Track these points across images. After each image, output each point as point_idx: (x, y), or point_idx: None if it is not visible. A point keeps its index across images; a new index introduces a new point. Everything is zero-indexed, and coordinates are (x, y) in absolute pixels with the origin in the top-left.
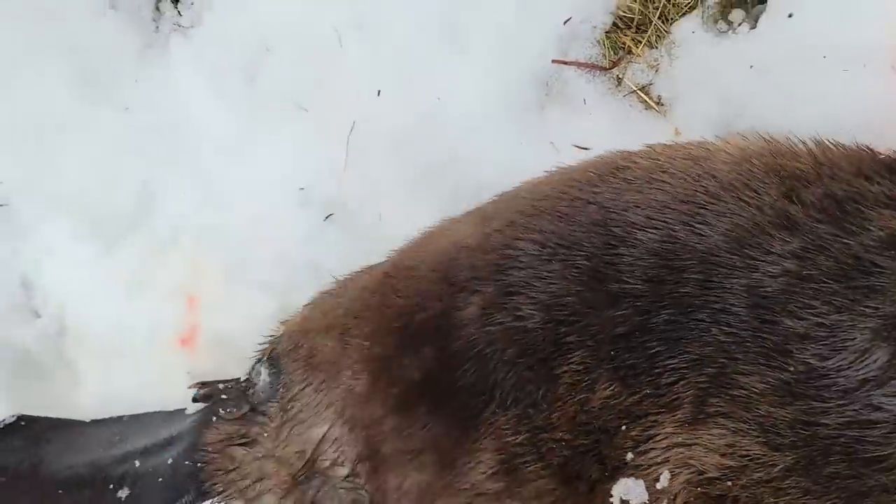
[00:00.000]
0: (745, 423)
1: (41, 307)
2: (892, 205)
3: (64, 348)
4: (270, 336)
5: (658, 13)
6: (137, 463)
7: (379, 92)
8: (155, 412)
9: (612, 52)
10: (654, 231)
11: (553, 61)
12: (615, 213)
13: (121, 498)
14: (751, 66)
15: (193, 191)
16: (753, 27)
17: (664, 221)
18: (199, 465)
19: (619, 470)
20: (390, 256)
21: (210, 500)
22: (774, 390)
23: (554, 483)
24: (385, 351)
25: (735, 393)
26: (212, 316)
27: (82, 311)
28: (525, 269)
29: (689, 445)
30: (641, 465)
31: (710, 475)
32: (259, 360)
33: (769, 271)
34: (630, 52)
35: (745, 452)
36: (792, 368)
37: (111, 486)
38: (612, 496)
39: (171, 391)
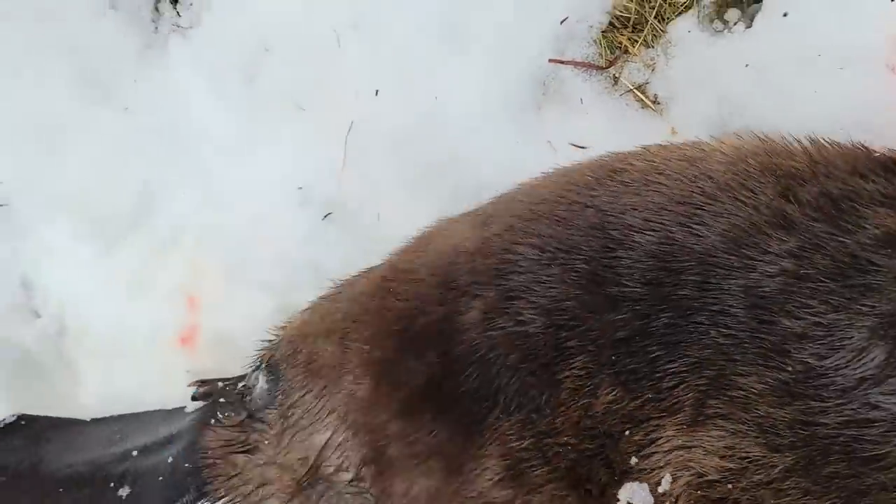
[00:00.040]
0: (743, 424)
1: (41, 307)
2: (887, 203)
3: (64, 348)
4: (267, 341)
5: (654, 13)
6: (138, 461)
7: (377, 92)
8: (155, 410)
9: (608, 52)
10: (651, 233)
11: (550, 60)
12: (612, 216)
13: (121, 496)
14: (746, 65)
15: (193, 191)
16: (749, 26)
17: (661, 223)
18: (199, 466)
19: (627, 474)
20: (387, 259)
21: (210, 501)
22: (773, 391)
23: (564, 489)
24: (386, 354)
25: (734, 394)
26: (212, 315)
27: (82, 311)
28: (525, 274)
29: (689, 448)
30: (645, 469)
31: (709, 478)
32: (256, 367)
33: (767, 271)
34: (626, 51)
35: (744, 454)
36: (790, 368)
37: (112, 485)
38: (618, 500)
39: (172, 390)
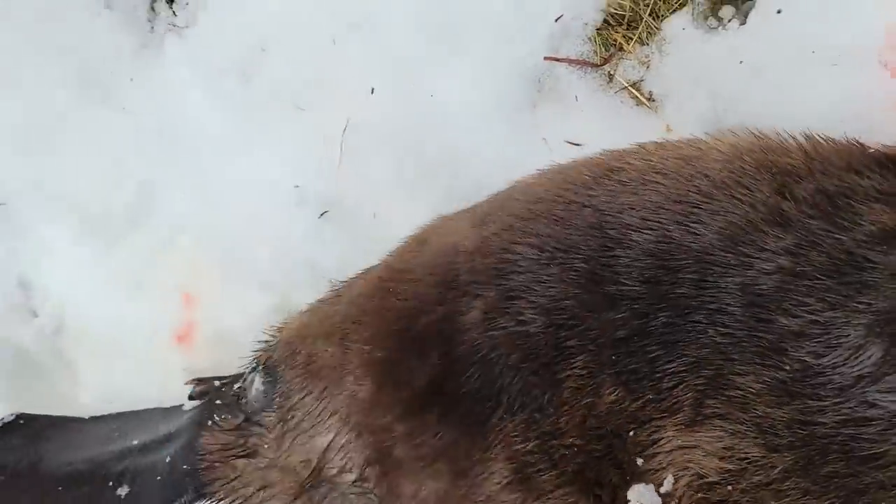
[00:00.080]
0: (742, 424)
1: (39, 307)
2: (882, 199)
3: (62, 347)
4: (263, 342)
5: (649, 10)
6: (136, 459)
7: (373, 90)
8: (154, 408)
9: (603, 49)
10: (648, 232)
11: (545, 58)
12: (610, 215)
13: (120, 496)
14: (741, 62)
15: (190, 190)
16: (743, 23)
17: (658, 222)
18: (197, 468)
19: (635, 475)
20: (384, 259)
21: (209, 502)
22: (771, 390)
23: (574, 494)
24: (388, 355)
25: (732, 394)
26: (209, 314)
27: (80, 311)
28: (525, 274)
29: (689, 448)
30: (650, 470)
31: (709, 479)
32: (253, 369)
33: (764, 268)
34: (621, 48)
35: (743, 455)
36: (788, 367)
37: (111, 484)
38: (628, 501)
39: (169, 389)
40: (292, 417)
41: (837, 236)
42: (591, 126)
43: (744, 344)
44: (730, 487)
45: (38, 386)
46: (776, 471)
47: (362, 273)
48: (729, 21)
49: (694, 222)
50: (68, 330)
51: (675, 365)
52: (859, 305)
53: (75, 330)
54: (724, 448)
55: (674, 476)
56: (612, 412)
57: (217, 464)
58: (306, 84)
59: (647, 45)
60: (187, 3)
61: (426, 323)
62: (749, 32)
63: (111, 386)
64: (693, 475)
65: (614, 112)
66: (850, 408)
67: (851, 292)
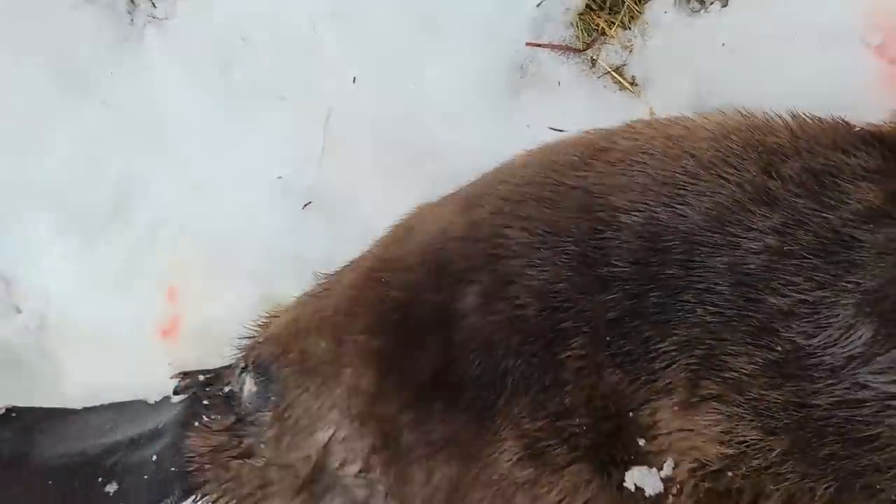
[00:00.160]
0: (738, 406)
1: (22, 302)
2: (868, 177)
3: (46, 343)
4: (248, 338)
5: None
6: (127, 455)
7: (355, 79)
8: (144, 400)
9: (585, 34)
10: (636, 214)
11: (527, 44)
12: (599, 197)
13: (108, 493)
14: (723, 44)
15: (173, 182)
16: (725, 5)
17: (646, 204)
18: (184, 470)
19: (640, 457)
20: (371, 250)
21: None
22: (764, 371)
23: (588, 472)
24: (387, 344)
25: (726, 375)
26: (194, 307)
27: (64, 306)
28: (518, 258)
29: (688, 431)
30: (652, 452)
31: (713, 468)
32: (242, 370)
33: (751, 248)
34: (603, 33)
35: (741, 438)
36: (779, 348)
37: (100, 480)
38: (624, 482)
39: (155, 383)
40: (289, 416)
41: (824, 215)
42: (575, 111)
43: (734, 323)
44: (730, 474)
45: (22, 382)
46: (774, 454)
47: (350, 265)
48: (711, 4)
49: (680, 203)
50: (52, 325)
51: (666, 344)
52: (848, 285)
53: (59, 325)
54: (722, 432)
55: (674, 461)
56: (614, 392)
57: (207, 465)
58: (288, 74)
59: (630, 29)
60: None
61: (423, 311)
62: (731, 14)
63: (96, 381)
64: (694, 461)
65: (597, 97)
66: (842, 389)
67: (840, 271)
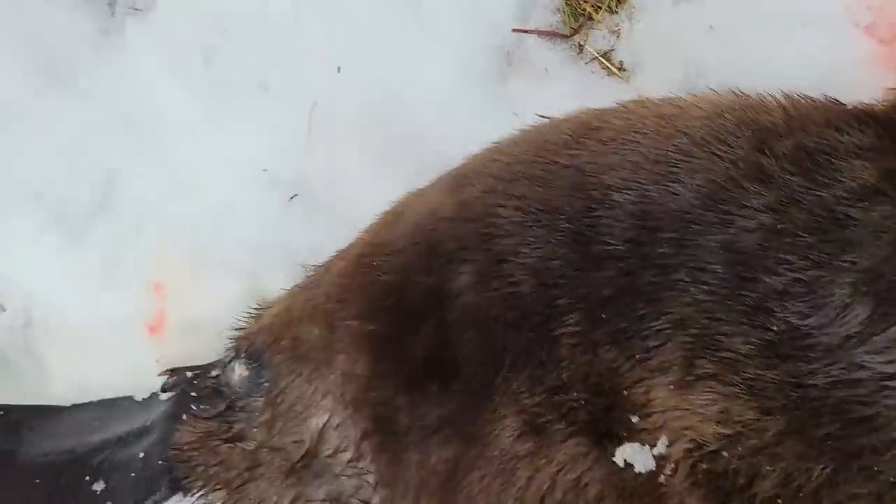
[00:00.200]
0: (734, 386)
1: (6, 300)
2: (862, 155)
3: (32, 341)
4: (239, 329)
5: None
6: (114, 452)
7: (339, 69)
8: (132, 397)
9: (572, 19)
10: (628, 192)
11: (513, 30)
12: (592, 175)
13: (95, 491)
14: (711, 27)
15: (157, 176)
16: None
17: (638, 182)
18: (171, 464)
19: (633, 433)
20: (361, 237)
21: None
22: (760, 351)
23: (586, 446)
24: (381, 329)
25: (722, 355)
26: (181, 302)
27: (49, 304)
28: (511, 237)
29: (683, 410)
30: (646, 429)
31: (710, 448)
32: (232, 358)
33: (745, 226)
34: (591, 18)
35: (738, 418)
36: (775, 328)
37: (87, 478)
38: (614, 457)
39: (143, 381)
40: (282, 401)
41: (818, 193)
42: (563, 98)
43: (728, 303)
44: (726, 454)
45: (9, 381)
46: (770, 434)
47: (339, 253)
48: None
49: (672, 181)
50: (37, 323)
51: (660, 323)
52: (844, 264)
53: (45, 323)
54: (719, 412)
55: (668, 440)
56: (609, 370)
57: (195, 453)
58: (271, 65)
59: (617, 13)
60: None
61: (415, 294)
62: None
63: (83, 380)
64: (690, 442)
65: (586, 83)
66: (839, 369)
67: (835, 250)
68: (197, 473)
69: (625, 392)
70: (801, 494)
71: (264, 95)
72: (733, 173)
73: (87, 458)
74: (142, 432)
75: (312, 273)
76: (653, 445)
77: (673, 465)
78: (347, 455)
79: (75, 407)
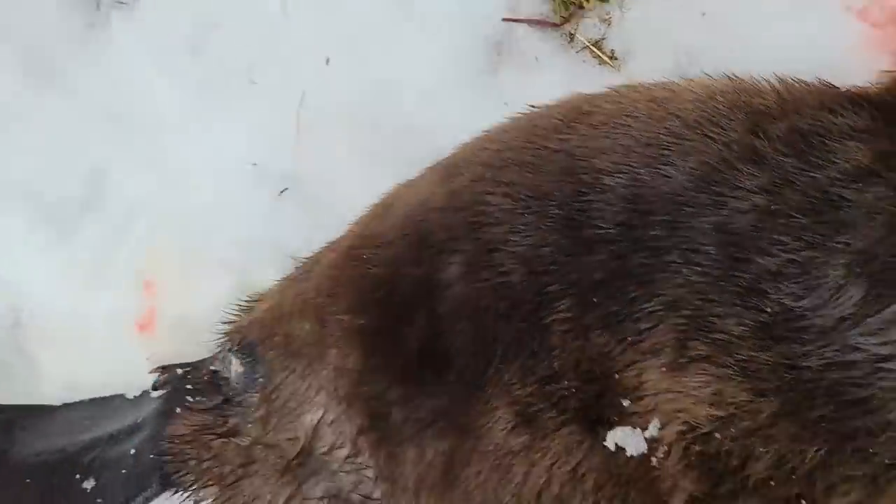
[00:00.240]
0: (727, 367)
1: None
2: (856, 136)
3: (22, 341)
4: (230, 323)
5: None
6: (105, 450)
7: (328, 60)
8: (123, 395)
9: (562, 8)
10: (620, 176)
11: (504, 19)
12: (582, 159)
13: (86, 489)
14: (703, 14)
15: (145, 172)
16: None
17: (629, 165)
18: (162, 458)
19: (624, 417)
20: (350, 229)
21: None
22: (753, 333)
23: (579, 434)
24: (371, 322)
25: (715, 336)
26: (171, 299)
27: (38, 303)
28: (500, 225)
29: (676, 393)
30: (637, 413)
31: (703, 430)
32: (230, 350)
33: (738, 207)
34: (581, 6)
35: (731, 400)
36: (769, 309)
37: (77, 476)
38: (605, 441)
39: (134, 379)
40: (277, 398)
41: (812, 174)
42: (554, 87)
43: (721, 284)
44: (718, 435)
45: (0, 381)
46: (764, 416)
47: (329, 246)
48: None
49: (664, 164)
50: (27, 323)
51: (652, 305)
52: (837, 245)
53: (34, 322)
54: (712, 394)
55: (661, 422)
56: (601, 354)
57: (188, 447)
58: (259, 58)
59: (607, 1)
60: None
61: (406, 285)
62: None
63: (74, 377)
64: (683, 424)
65: (577, 72)
66: (833, 351)
67: (829, 231)
68: (189, 468)
69: (616, 376)
70: (794, 476)
71: (253, 89)
72: (726, 155)
73: (77, 457)
74: (133, 429)
75: (303, 265)
76: (644, 428)
77: (666, 447)
78: (344, 451)
79: (67, 406)
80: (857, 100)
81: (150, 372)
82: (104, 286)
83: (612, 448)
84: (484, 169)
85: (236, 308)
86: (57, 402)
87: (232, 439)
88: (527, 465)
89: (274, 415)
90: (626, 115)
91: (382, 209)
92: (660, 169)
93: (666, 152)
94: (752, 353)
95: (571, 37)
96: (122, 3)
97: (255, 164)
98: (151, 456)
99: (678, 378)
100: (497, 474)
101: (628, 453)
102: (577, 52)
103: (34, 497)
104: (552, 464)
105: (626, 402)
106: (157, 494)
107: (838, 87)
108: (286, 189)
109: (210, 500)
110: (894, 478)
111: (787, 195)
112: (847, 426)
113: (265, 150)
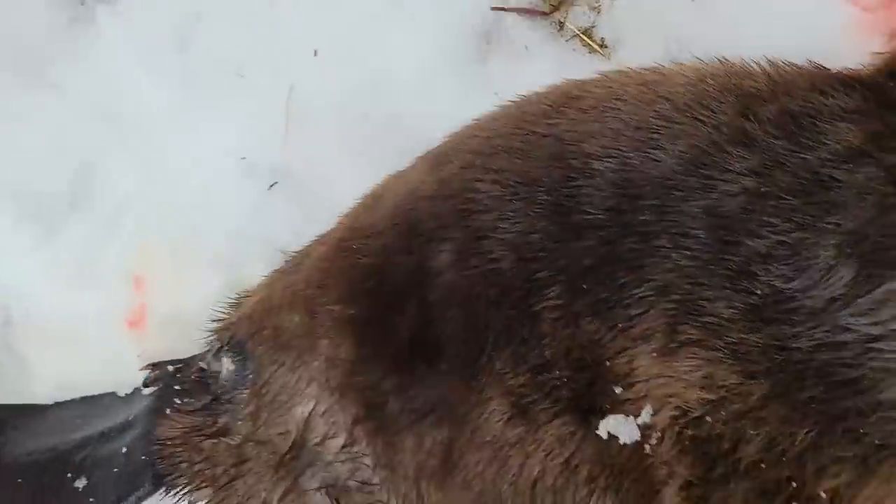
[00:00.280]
0: (717, 350)
1: None
2: (847, 117)
3: (12, 340)
4: (220, 321)
5: None
6: (97, 449)
7: (316, 52)
8: (114, 393)
9: None
10: (609, 160)
11: (492, 8)
12: (571, 144)
13: (78, 488)
14: (693, 0)
15: (133, 168)
16: None
17: (619, 149)
18: (154, 459)
19: (616, 405)
20: (340, 221)
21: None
22: (744, 315)
23: (572, 424)
24: (362, 312)
25: (705, 320)
26: (160, 295)
27: (27, 301)
28: (489, 212)
29: (667, 378)
30: (629, 400)
31: (695, 414)
32: (218, 349)
33: (727, 190)
34: None
35: (721, 383)
36: (759, 292)
37: (69, 475)
38: (598, 429)
39: (125, 376)
40: (267, 392)
41: (803, 156)
42: (544, 76)
43: (711, 267)
44: (709, 418)
45: None
46: (754, 398)
47: (319, 239)
48: None
49: (653, 148)
50: (17, 321)
51: (642, 290)
52: (828, 226)
53: (24, 321)
54: (703, 377)
55: (653, 408)
56: (592, 342)
57: (178, 450)
58: (247, 51)
59: None
60: None
61: (396, 275)
62: None
63: (65, 377)
64: (675, 409)
65: (566, 60)
66: (823, 332)
67: (819, 212)
68: (181, 470)
69: (607, 363)
70: (784, 458)
71: (241, 83)
72: (716, 138)
73: (69, 456)
74: (124, 427)
75: (292, 257)
76: (637, 415)
77: (659, 433)
78: (339, 441)
79: (58, 405)
80: (848, 81)
81: (141, 369)
82: (94, 283)
83: (605, 436)
84: (473, 156)
85: (226, 303)
86: (48, 401)
87: (222, 439)
88: (522, 456)
89: (264, 410)
90: (616, 99)
91: (372, 200)
92: (649, 153)
93: (655, 136)
94: (743, 336)
95: (561, 25)
96: None
97: (244, 158)
98: (143, 457)
99: (669, 363)
100: (495, 465)
101: (621, 441)
102: (566, 40)
103: (26, 497)
104: (546, 455)
105: (617, 390)
106: (149, 494)
107: (829, 69)
108: (276, 183)
109: (204, 502)
110: (885, 458)
111: (777, 177)
112: (837, 407)
113: (254, 143)
